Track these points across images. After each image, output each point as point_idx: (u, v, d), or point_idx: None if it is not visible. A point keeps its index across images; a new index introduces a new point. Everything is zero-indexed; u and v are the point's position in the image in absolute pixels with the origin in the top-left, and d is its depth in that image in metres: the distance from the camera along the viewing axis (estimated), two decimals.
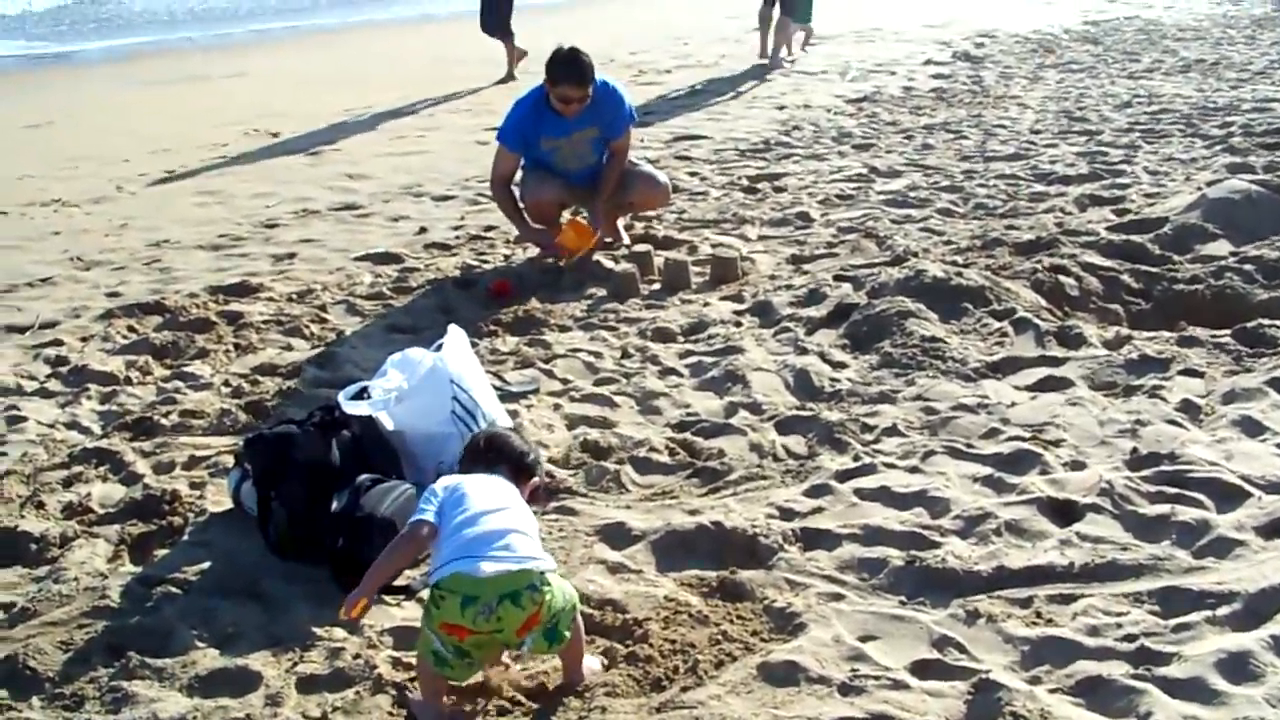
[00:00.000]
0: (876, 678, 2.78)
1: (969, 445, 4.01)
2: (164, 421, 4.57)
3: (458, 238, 7.27)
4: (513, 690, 2.91)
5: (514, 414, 4.35)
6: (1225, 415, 4.09)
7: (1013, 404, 4.34)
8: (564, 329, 5.53)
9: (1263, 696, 2.61)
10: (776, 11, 14.09)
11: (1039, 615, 3.03)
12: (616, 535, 3.57)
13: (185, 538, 3.70)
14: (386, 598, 3.22)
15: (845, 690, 2.74)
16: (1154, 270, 5.70)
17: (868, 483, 3.79)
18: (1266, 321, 4.94)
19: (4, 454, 4.38)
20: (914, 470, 3.87)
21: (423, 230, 7.48)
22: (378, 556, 2.83)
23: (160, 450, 4.35)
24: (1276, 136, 8.56)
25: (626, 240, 6.85)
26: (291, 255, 7.03)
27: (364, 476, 3.55)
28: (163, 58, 18.06)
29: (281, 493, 3.54)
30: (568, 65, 6.13)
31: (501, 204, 6.60)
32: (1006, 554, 3.30)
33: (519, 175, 6.58)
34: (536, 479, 3.19)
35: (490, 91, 13.19)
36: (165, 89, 14.62)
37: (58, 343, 5.60)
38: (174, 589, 3.38)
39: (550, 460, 4.07)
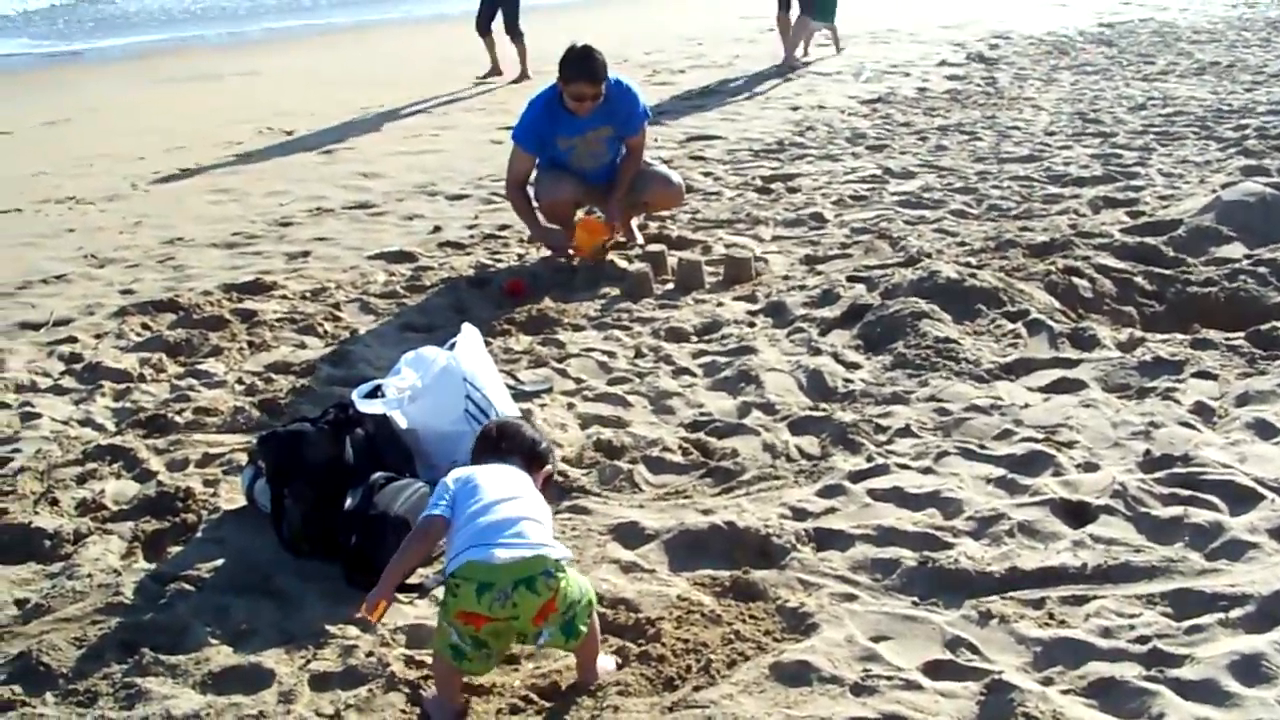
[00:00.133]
0: (889, 678, 2.78)
1: (982, 446, 4.01)
2: (178, 419, 4.59)
3: (472, 237, 7.28)
4: (525, 689, 2.92)
5: (527, 413, 4.35)
6: (1239, 418, 4.08)
7: (1026, 405, 4.33)
8: (577, 328, 5.54)
9: (1275, 699, 2.61)
10: (794, 12, 14.06)
11: (1051, 616, 3.02)
12: (629, 534, 3.58)
13: (199, 535, 3.72)
14: (400, 595, 3.22)
15: (858, 690, 2.74)
16: (1168, 273, 5.69)
17: (881, 483, 3.79)
18: None
19: (18, 450, 4.40)
20: (927, 471, 3.86)
21: (437, 229, 7.50)
22: (391, 555, 2.84)
23: (174, 447, 4.36)
24: None
25: (640, 240, 6.86)
26: (305, 253, 7.05)
27: (377, 475, 3.56)
28: (175, 56, 18.12)
29: (295, 491, 3.55)
30: (580, 63, 6.14)
31: (516, 205, 6.60)
32: (1019, 555, 3.30)
33: (533, 175, 6.59)
34: (549, 467, 3.21)
35: (504, 91, 13.21)
36: (178, 87, 14.67)
37: (72, 340, 5.63)
38: (187, 586, 3.40)
39: (563, 459, 4.08)
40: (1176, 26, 16.21)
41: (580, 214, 6.79)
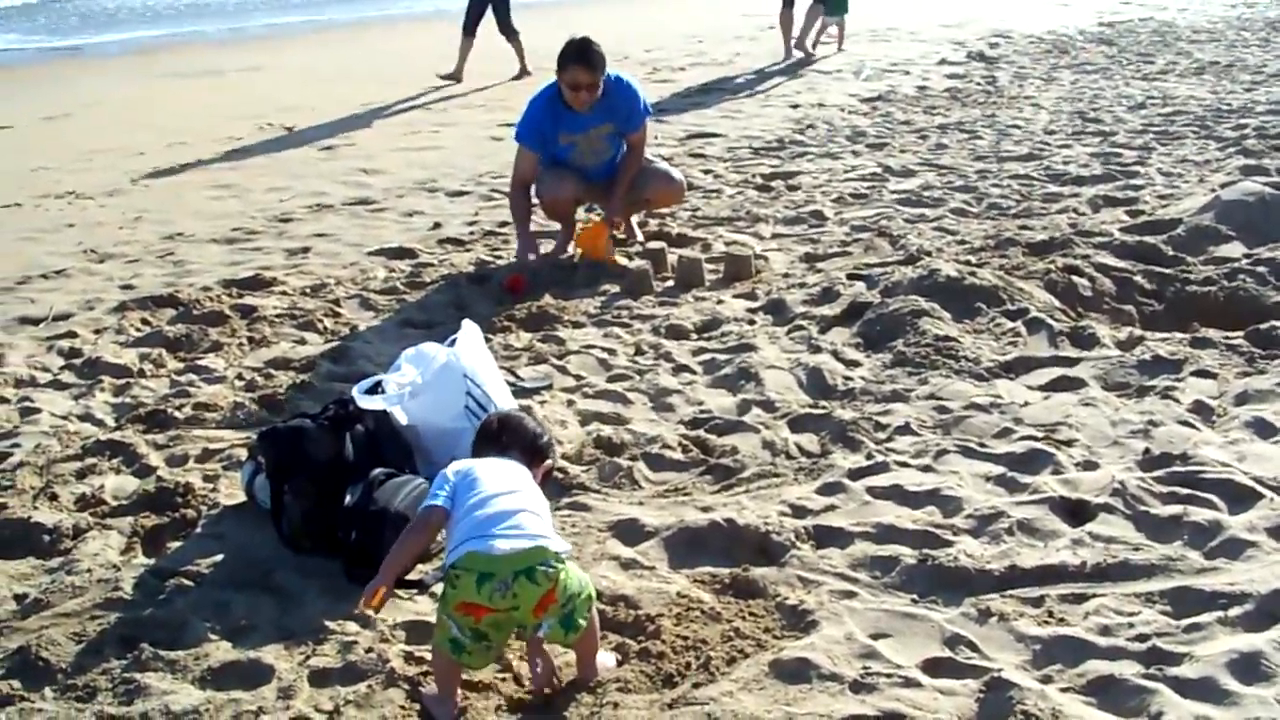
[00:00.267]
0: (888, 675, 2.78)
1: (981, 444, 4.01)
2: (177, 414, 4.58)
3: (472, 233, 7.28)
4: (525, 684, 2.92)
5: (527, 410, 4.35)
6: (1238, 417, 4.09)
7: (1025, 404, 4.33)
8: (577, 325, 5.54)
9: (1274, 697, 2.61)
10: (799, 7, 14.05)
11: (1051, 614, 3.02)
12: (629, 531, 3.58)
13: (198, 530, 3.71)
14: (399, 591, 3.23)
15: (857, 688, 2.74)
16: (1167, 271, 5.69)
17: (880, 481, 3.79)
18: (1279, 324, 4.92)
19: (18, 445, 4.39)
20: (926, 469, 3.87)
21: (437, 225, 7.50)
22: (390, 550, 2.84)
23: (173, 443, 4.36)
24: None
25: (640, 237, 6.86)
26: (305, 249, 7.05)
27: (377, 471, 3.56)
28: (175, 52, 18.13)
29: (295, 487, 3.55)
30: (575, 49, 6.14)
31: (514, 207, 6.58)
32: (1018, 553, 3.30)
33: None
34: (549, 462, 3.21)
35: (504, 88, 13.21)
36: (179, 83, 14.67)
37: (71, 335, 5.62)
38: (187, 581, 3.39)
39: (563, 456, 4.08)
40: (1176, 26, 16.23)
41: (581, 212, 6.78)
